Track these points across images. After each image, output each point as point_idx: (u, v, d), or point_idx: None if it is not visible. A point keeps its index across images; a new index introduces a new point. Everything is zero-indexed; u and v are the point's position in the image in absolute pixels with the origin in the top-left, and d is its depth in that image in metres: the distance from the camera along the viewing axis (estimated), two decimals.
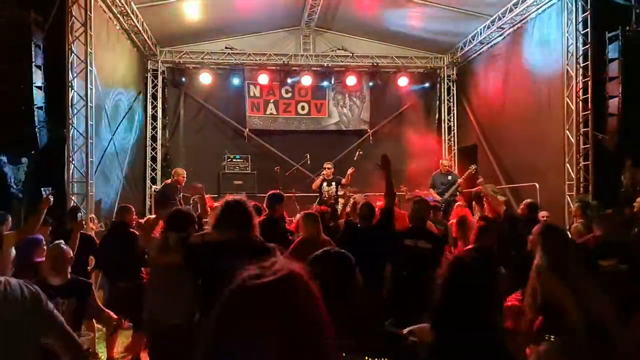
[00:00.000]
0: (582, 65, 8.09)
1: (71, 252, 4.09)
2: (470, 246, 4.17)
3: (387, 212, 4.24)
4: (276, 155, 12.09)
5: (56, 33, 7.08)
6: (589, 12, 7.93)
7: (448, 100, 13.14)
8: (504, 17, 9.88)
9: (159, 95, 12.14)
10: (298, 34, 12.41)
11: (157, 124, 12.13)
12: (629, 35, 7.06)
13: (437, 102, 13.17)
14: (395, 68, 12.72)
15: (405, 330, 2.10)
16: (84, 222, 5.83)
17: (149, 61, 11.88)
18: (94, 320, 4.71)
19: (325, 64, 12.43)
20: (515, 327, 3.18)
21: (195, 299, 3.61)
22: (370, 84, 12.70)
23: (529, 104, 9.64)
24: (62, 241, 4.30)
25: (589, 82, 7.94)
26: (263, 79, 12.03)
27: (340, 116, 12.82)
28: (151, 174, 11.94)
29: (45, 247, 4.51)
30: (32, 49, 6.54)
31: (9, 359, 1.93)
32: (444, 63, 13.00)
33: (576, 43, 8.15)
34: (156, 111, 12.14)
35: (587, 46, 8.00)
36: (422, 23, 11.24)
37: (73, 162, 7.38)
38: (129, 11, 9.16)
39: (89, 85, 7.61)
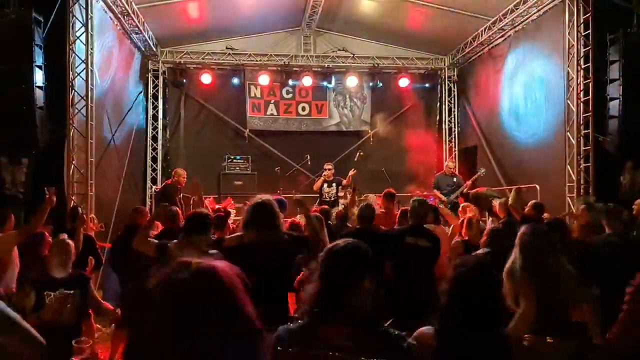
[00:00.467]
0: (583, 66, 8.08)
1: (73, 247, 4.16)
2: (482, 250, 4.16)
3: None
4: (276, 156, 12.09)
5: (57, 33, 7.08)
6: (590, 13, 7.91)
7: (449, 101, 13.13)
8: (505, 18, 9.86)
9: (160, 95, 12.14)
10: (299, 35, 12.41)
11: (157, 124, 12.13)
12: (630, 37, 7.06)
13: (438, 103, 13.15)
14: (396, 69, 12.72)
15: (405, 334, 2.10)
16: (84, 216, 5.81)
17: (150, 61, 11.88)
18: (92, 320, 4.71)
19: (326, 65, 12.43)
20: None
21: None
22: (371, 84, 12.68)
23: (529, 106, 9.64)
24: (65, 235, 4.37)
25: (590, 84, 7.92)
26: (264, 79, 12.02)
27: (341, 117, 12.81)
28: (152, 174, 11.93)
29: (50, 242, 4.58)
30: (33, 48, 6.55)
31: None
32: (444, 64, 12.98)
33: (577, 45, 8.14)
34: (157, 111, 12.13)
35: (588, 48, 7.99)
36: (423, 24, 11.24)
37: (73, 162, 7.38)
38: (129, 11, 9.16)
39: (89, 85, 7.60)
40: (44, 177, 6.99)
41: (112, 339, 5.17)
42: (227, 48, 12.02)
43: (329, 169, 9.27)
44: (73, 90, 7.40)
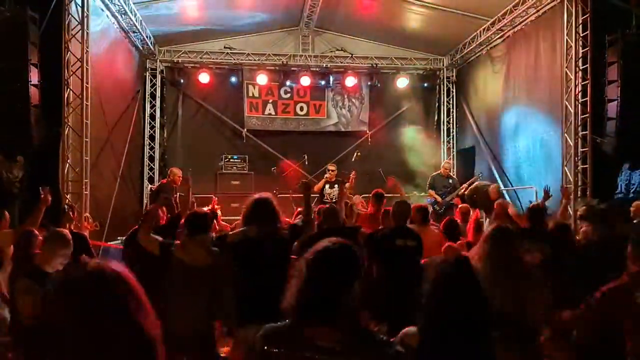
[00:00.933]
0: (581, 68, 8.04)
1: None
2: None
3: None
4: (274, 155, 12.05)
5: (53, 31, 7.06)
6: (588, 14, 7.89)
7: (447, 101, 13.09)
8: (503, 19, 9.84)
9: (158, 94, 12.10)
10: (297, 35, 12.37)
11: (155, 123, 12.10)
12: (629, 39, 7.05)
13: (436, 104, 13.12)
14: (394, 69, 12.69)
15: (393, 340, 2.07)
16: (71, 215, 5.77)
17: (148, 60, 11.85)
18: None
19: (325, 65, 12.39)
20: None
21: (215, 303, 3.87)
22: (369, 84, 12.65)
23: (527, 107, 9.62)
24: (57, 229, 4.33)
25: (588, 85, 7.90)
26: (262, 79, 11.99)
27: (339, 117, 12.77)
28: (149, 174, 11.91)
29: (41, 239, 4.54)
30: (28, 46, 6.53)
31: None
32: (443, 65, 12.96)
33: (575, 46, 8.10)
34: (154, 110, 12.10)
35: (586, 49, 7.97)
36: (422, 24, 11.21)
37: (68, 161, 7.35)
38: (127, 10, 9.13)
39: (85, 84, 7.56)
40: (38, 176, 6.98)
41: None
42: (225, 47, 11.98)
43: (332, 171, 9.24)
44: (68, 89, 7.37)
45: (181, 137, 12.29)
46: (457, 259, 2.25)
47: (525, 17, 9.45)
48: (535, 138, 9.35)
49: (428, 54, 12.86)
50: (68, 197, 7.26)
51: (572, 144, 8.18)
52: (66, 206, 5.83)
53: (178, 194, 8.34)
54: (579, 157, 8.11)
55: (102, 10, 8.66)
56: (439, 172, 10.12)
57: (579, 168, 8.11)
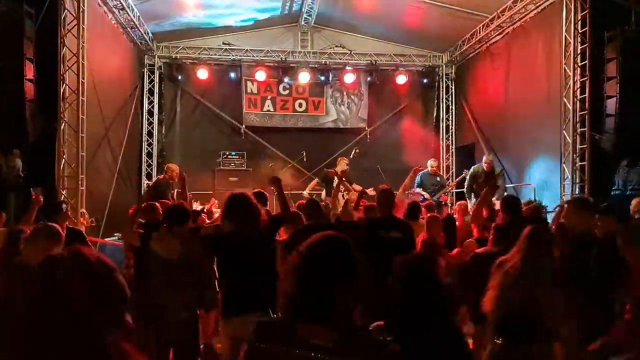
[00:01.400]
0: (580, 64, 8.01)
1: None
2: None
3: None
4: (272, 152, 12.02)
5: (48, 26, 7.03)
6: (587, 11, 7.85)
7: (446, 98, 13.05)
8: (502, 15, 9.79)
9: (156, 90, 12.08)
10: (296, 31, 12.33)
11: (153, 120, 12.08)
12: (628, 35, 7.02)
13: (436, 101, 13.08)
14: (393, 66, 12.64)
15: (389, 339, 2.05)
16: (68, 212, 5.74)
17: (146, 56, 11.81)
18: None
19: (323, 61, 12.35)
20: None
21: (196, 292, 4.01)
22: (368, 81, 12.61)
23: (527, 103, 9.59)
24: (45, 224, 4.29)
25: (587, 82, 7.87)
26: (260, 75, 11.95)
27: (338, 114, 12.74)
28: (146, 170, 11.89)
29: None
30: (24, 41, 6.50)
31: None
32: (442, 61, 12.91)
33: (574, 42, 8.07)
34: (152, 106, 12.07)
35: (585, 45, 7.93)
36: (421, 21, 11.17)
37: (64, 157, 7.32)
38: (124, 5, 9.09)
39: (80, 79, 7.53)
40: (34, 171, 6.96)
41: None
42: (223, 44, 11.94)
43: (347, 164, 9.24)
44: (64, 84, 7.34)
45: (179, 134, 12.27)
46: (419, 256, 2.23)
47: (525, 13, 9.42)
48: (534, 135, 9.32)
49: (427, 50, 12.81)
50: (64, 192, 7.23)
51: (570, 141, 8.15)
52: (64, 206, 5.79)
53: (175, 190, 8.31)
54: (577, 154, 8.09)
55: (100, 5, 8.62)
56: (426, 170, 10.09)
57: (577, 165, 8.09)
